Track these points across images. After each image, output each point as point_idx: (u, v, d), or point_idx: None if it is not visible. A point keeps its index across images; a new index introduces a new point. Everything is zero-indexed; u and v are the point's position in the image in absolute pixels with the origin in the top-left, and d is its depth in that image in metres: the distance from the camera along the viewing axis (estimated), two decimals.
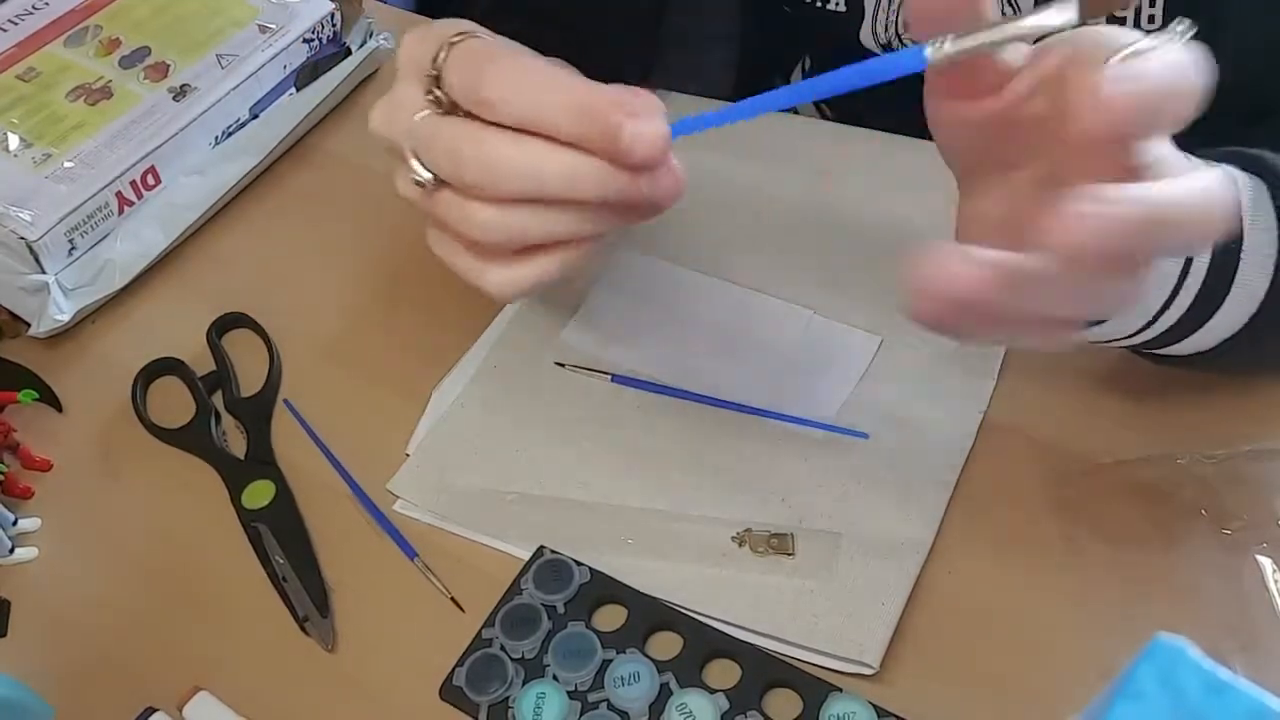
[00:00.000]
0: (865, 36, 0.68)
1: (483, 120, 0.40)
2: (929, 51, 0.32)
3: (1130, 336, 0.46)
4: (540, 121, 0.39)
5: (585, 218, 0.40)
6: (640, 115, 0.38)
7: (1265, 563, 0.51)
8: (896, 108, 0.71)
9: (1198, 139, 0.36)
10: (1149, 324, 0.45)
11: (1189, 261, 0.43)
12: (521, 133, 0.39)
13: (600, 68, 0.44)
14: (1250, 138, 0.47)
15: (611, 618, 0.52)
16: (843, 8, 0.68)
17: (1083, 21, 0.32)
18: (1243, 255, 0.43)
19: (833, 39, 0.71)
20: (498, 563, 0.54)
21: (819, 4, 0.70)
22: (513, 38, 0.46)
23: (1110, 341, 0.46)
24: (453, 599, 0.53)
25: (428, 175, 0.42)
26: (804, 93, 0.36)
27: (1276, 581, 0.50)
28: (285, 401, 0.62)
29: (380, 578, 0.54)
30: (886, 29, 0.67)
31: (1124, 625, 0.50)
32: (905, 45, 0.67)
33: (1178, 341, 0.46)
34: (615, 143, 0.38)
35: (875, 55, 0.69)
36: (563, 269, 0.42)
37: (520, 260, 0.42)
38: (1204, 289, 0.44)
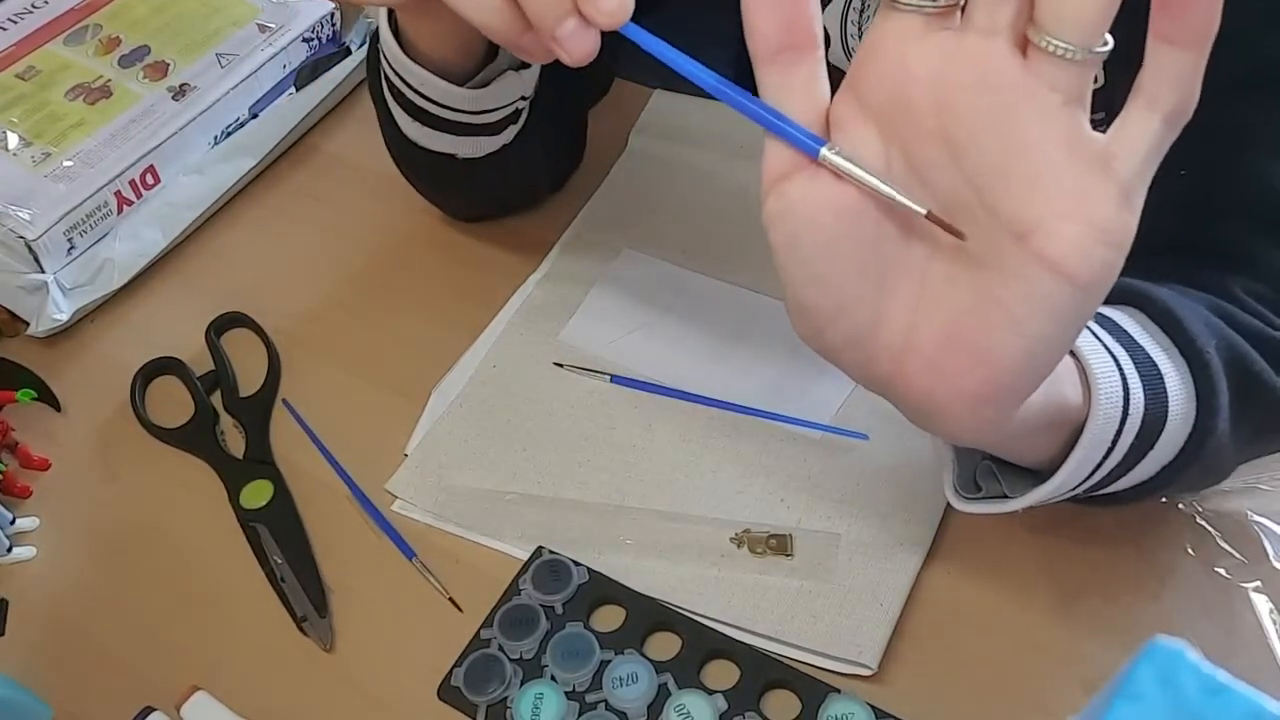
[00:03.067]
0: (836, 58, 0.68)
1: None
2: (825, 150, 0.35)
3: (1074, 489, 0.45)
4: None
5: None
6: None
7: (1260, 601, 0.51)
8: None
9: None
10: (1091, 474, 0.44)
11: (1126, 409, 0.43)
12: None
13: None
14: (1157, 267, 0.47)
15: (610, 618, 0.52)
16: None
17: (926, 214, 0.34)
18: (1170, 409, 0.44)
19: None
20: (496, 563, 0.54)
21: None
22: None
23: (1061, 496, 0.46)
24: (451, 599, 0.53)
25: None
26: (729, 96, 0.37)
27: (1275, 621, 0.50)
28: (284, 401, 0.62)
29: (379, 578, 0.54)
30: (852, 49, 0.67)
31: (1122, 626, 0.50)
32: None
33: (1116, 481, 0.46)
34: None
35: (843, 73, 0.69)
36: None
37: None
38: (1137, 440, 0.44)
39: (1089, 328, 0.44)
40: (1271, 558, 0.52)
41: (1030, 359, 0.36)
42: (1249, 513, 0.53)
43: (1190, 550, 0.52)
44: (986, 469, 0.47)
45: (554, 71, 0.60)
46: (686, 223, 0.68)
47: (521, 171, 0.66)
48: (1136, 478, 0.46)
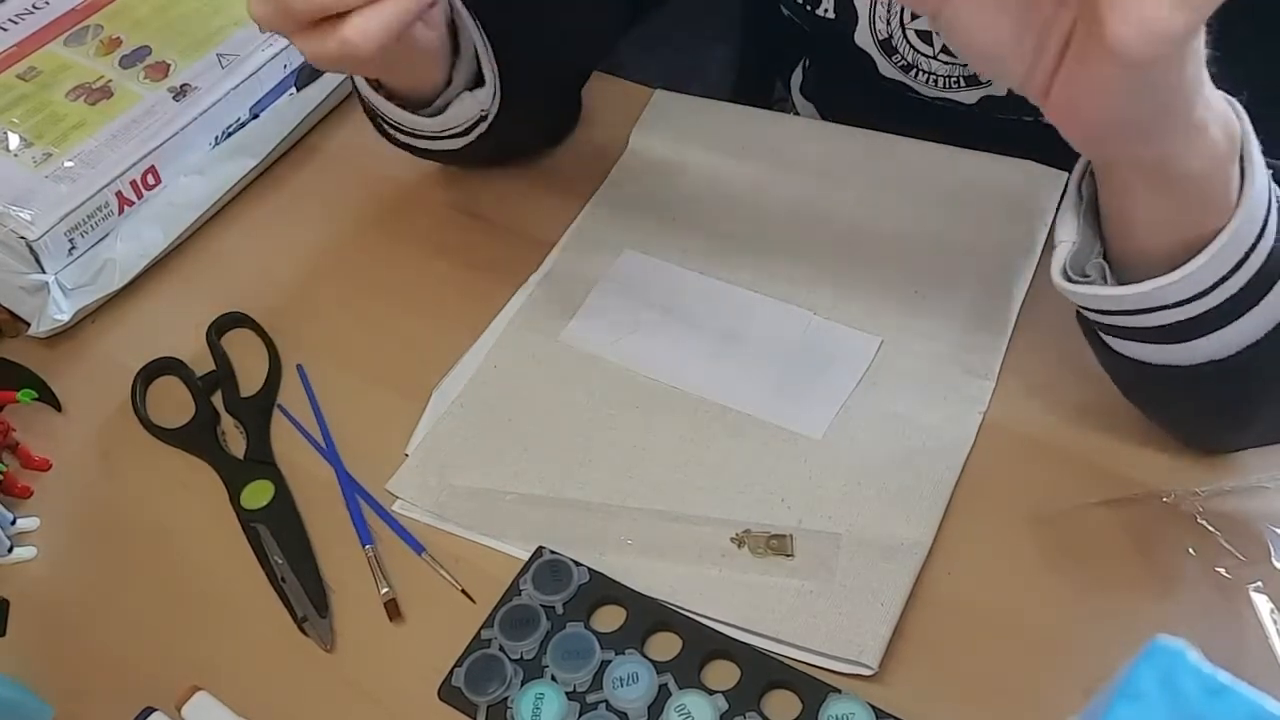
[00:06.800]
0: (861, 38, 0.68)
1: None
2: None
3: (1182, 304, 0.45)
4: None
5: None
6: None
7: (1261, 600, 0.50)
8: (897, 108, 0.71)
9: None
10: (1208, 290, 0.45)
11: (1252, 249, 0.44)
12: None
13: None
14: None
15: (610, 618, 0.52)
16: (832, 14, 0.69)
17: None
18: None
19: (828, 42, 0.71)
20: (497, 563, 0.54)
21: (809, 8, 0.70)
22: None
23: (1155, 309, 0.46)
24: (463, 590, 0.53)
25: None
26: None
27: (1276, 621, 0.50)
28: (279, 406, 0.62)
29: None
30: (889, 23, 0.67)
31: (1123, 626, 0.50)
32: (908, 39, 0.67)
33: (1212, 331, 0.46)
34: None
35: (870, 56, 0.69)
36: (403, 12, 0.45)
37: (363, 11, 0.45)
38: (1257, 277, 0.44)
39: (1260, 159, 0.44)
40: (1273, 557, 0.52)
41: (1117, 126, 0.39)
42: (1250, 513, 0.53)
43: (1191, 550, 0.52)
44: (1098, 266, 0.48)
45: (539, 39, 0.61)
46: (687, 223, 0.68)
47: (509, 141, 0.67)
48: (1219, 345, 0.46)
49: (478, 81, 0.60)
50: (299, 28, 0.46)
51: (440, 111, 0.59)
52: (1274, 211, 0.44)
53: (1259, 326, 0.46)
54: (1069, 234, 0.48)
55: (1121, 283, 0.47)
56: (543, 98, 0.67)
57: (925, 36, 0.66)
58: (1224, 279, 0.44)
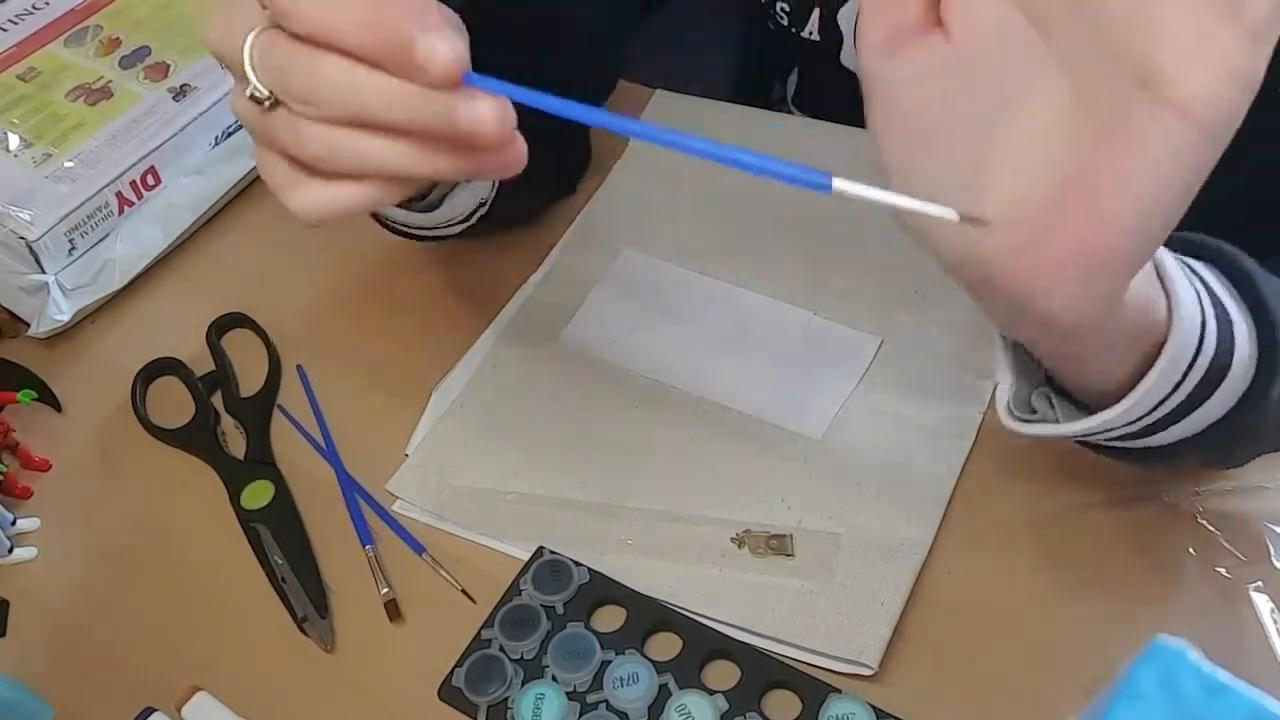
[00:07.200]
0: (847, 58, 0.68)
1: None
2: (836, 183, 0.35)
3: (1133, 422, 0.45)
4: (330, 33, 0.38)
5: (409, 152, 0.39)
6: (434, 30, 0.37)
7: (1261, 600, 0.51)
8: None
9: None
10: (1156, 407, 0.44)
11: (1192, 362, 0.43)
12: (350, 55, 0.38)
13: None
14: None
15: (610, 618, 0.52)
16: (816, 36, 0.68)
17: (959, 218, 0.35)
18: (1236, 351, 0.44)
19: (814, 61, 0.71)
20: (497, 563, 0.54)
21: (794, 30, 0.70)
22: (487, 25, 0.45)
23: (1110, 430, 0.45)
24: (463, 590, 0.53)
25: (265, 91, 0.40)
26: (665, 139, 0.36)
27: (1275, 620, 0.50)
28: (279, 406, 0.62)
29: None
30: None
31: (1123, 626, 0.50)
32: None
33: (1170, 427, 0.45)
34: (409, 55, 0.37)
35: (855, 76, 0.69)
36: (372, 202, 0.41)
37: (332, 182, 0.41)
38: (1202, 383, 0.43)
39: (1175, 258, 0.43)
40: (1273, 557, 0.52)
41: (1144, 219, 0.35)
42: (1250, 513, 0.53)
43: (1192, 550, 0.52)
44: (1043, 395, 0.47)
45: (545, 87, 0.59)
46: (687, 223, 0.68)
47: (514, 210, 0.65)
48: (1183, 431, 0.45)
49: None
50: (263, 143, 0.42)
51: (435, 207, 0.56)
52: (1209, 312, 0.43)
53: (1220, 407, 0.44)
54: (1006, 377, 0.47)
55: (1070, 401, 0.46)
56: (542, 149, 0.65)
57: None
58: (1169, 395, 0.43)
